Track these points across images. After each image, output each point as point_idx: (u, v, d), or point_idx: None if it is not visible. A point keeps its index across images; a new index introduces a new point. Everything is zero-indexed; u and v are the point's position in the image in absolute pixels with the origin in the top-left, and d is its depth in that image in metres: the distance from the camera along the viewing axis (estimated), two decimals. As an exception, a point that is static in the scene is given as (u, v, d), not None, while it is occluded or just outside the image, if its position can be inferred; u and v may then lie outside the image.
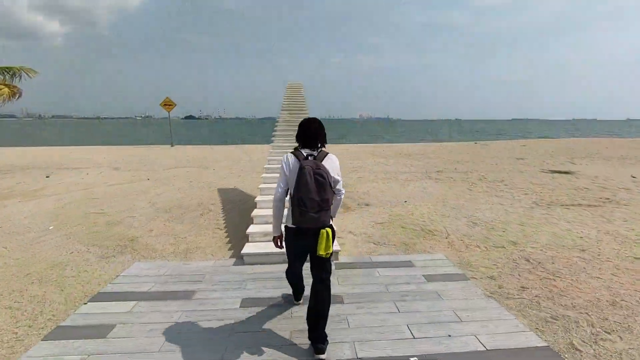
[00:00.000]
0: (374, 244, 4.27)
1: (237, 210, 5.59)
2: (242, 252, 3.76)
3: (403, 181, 8.49)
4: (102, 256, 3.96)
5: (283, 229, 2.58)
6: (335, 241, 3.67)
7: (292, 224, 2.44)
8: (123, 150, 16.78)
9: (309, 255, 2.52)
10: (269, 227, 4.04)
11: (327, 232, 2.36)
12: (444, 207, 5.84)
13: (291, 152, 2.49)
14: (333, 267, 3.11)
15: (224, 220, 5.13)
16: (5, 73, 9.41)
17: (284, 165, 2.45)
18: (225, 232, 4.67)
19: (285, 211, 2.52)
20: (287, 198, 2.50)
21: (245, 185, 7.63)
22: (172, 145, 18.78)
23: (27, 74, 9.86)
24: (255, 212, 4.51)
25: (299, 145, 2.55)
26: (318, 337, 2.44)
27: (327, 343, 2.45)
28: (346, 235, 4.53)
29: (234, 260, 3.82)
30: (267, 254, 3.71)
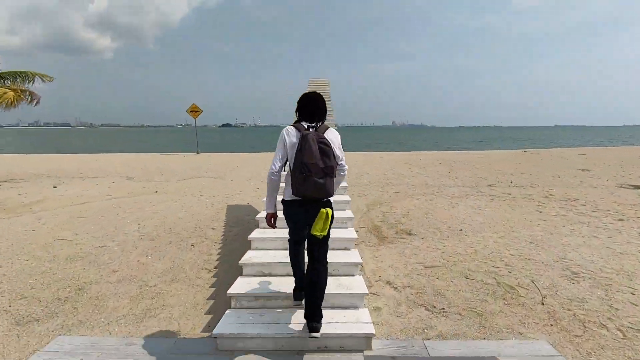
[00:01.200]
0: (427, 309, 2.80)
1: (240, 239, 4.37)
2: (214, 331, 2.35)
3: (450, 198, 6.96)
4: (20, 321, 2.71)
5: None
6: (367, 312, 2.59)
7: (293, 195, 2.30)
8: (147, 157, 16.28)
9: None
10: (268, 285, 2.82)
11: (327, 213, 2.25)
12: (516, 239, 4.30)
13: (291, 125, 2.39)
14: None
15: (218, 254, 3.91)
16: (18, 77, 8.91)
17: (284, 136, 2.33)
18: (214, 276, 3.42)
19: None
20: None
21: (260, 202, 6.44)
22: (197, 153, 18.15)
23: (42, 79, 9.34)
24: (248, 256, 3.12)
25: (298, 119, 2.44)
26: (313, 315, 2.32)
27: (321, 324, 2.32)
28: (382, 288, 3.14)
29: (205, 339, 2.46)
30: (259, 337, 2.32)
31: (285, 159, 2.34)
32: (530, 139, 52.94)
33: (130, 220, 5.12)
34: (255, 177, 9.85)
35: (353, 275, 2.94)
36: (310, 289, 2.37)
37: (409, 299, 2.93)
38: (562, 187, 8.16)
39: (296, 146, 2.23)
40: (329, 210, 2.27)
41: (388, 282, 3.20)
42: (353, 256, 3.13)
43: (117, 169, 11.81)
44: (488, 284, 3.11)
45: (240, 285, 2.80)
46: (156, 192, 7.58)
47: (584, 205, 6.37)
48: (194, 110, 18.02)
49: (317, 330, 2.28)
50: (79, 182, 9.17)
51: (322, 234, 2.24)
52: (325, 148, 2.22)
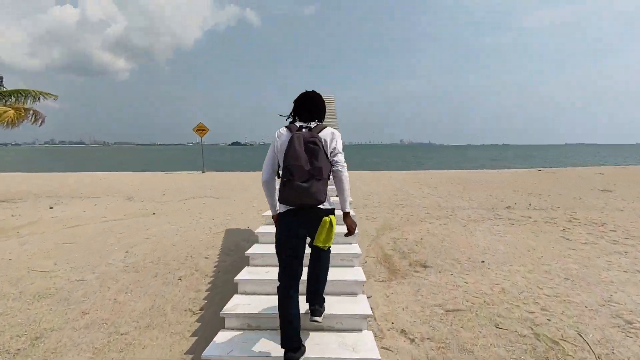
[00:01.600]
0: (451, 369, 2.24)
1: (234, 269, 3.89)
2: None
3: (466, 222, 6.44)
4: None
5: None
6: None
7: (279, 202, 2.07)
8: (152, 176, 16.06)
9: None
10: (254, 345, 2.26)
11: (329, 221, 2.03)
12: (547, 274, 3.76)
13: (284, 126, 2.18)
14: None
15: (207, 291, 3.43)
16: (20, 96, 8.77)
17: (275, 140, 2.14)
18: (198, 320, 2.92)
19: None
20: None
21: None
22: (203, 172, 17.90)
23: (45, 97, 9.19)
24: (233, 303, 2.58)
25: (293, 120, 2.26)
26: (315, 299, 2.23)
27: (324, 308, 2.25)
28: (396, 340, 2.59)
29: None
30: None
31: (276, 164, 2.15)
32: (543, 156, 52.03)
33: (118, 247, 4.70)
34: (259, 198, 9.44)
35: (361, 331, 2.39)
36: (315, 280, 2.25)
37: (429, 356, 2.40)
38: (585, 210, 7.58)
39: (285, 147, 2.03)
40: (332, 217, 2.06)
41: (403, 332, 2.68)
42: (361, 305, 2.57)
43: (119, 188, 11.53)
44: (524, 336, 2.57)
45: (220, 345, 2.23)
46: (154, 213, 7.20)
47: (614, 231, 5.80)
48: (201, 129, 17.89)
49: (319, 315, 2.15)
50: (77, 202, 8.87)
51: (328, 244, 2.06)
52: (312, 147, 1.99)
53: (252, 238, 5.16)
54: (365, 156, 57.25)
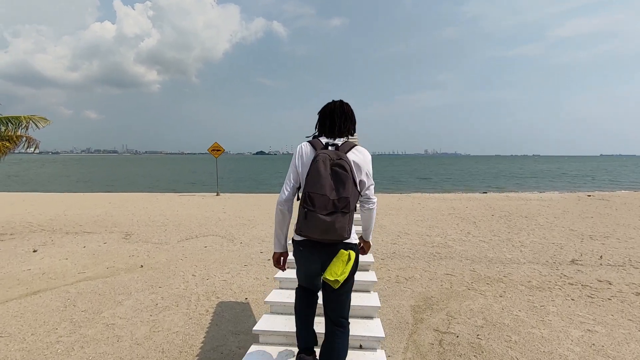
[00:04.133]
0: None
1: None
2: None
3: (529, 291, 4.98)
4: None
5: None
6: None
7: (296, 233, 1.86)
8: (161, 200, 15.17)
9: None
10: None
11: (349, 255, 1.80)
12: None
13: (307, 141, 1.94)
14: None
15: None
16: (9, 123, 7.97)
17: (296, 157, 1.90)
18: None
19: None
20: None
21: (262, 298, 4.71)
22: (217, 194, 16.92)
23: (36, 124, 8.38)
24: None
25: (317, 134, 1.99)
26: None
27: None
28: None
29: None
30: None
31: (297, 185, 1.89)
32: (580, 173, 48.51)
33: (64, 347, 3.49)
34: (271, 236, 8.20)
35: None
36: (326, 351, 1.92)
37: None
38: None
39: (308, 167, 1.79)
40: (352, 252, 1.82)
41: None
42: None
43: (122, 218, 10.60)
44: None
45: None
46: (142, 266, 6.07)
47: None
48: (216, 149, 16.99)
49: None
50: (69, 240, 7.91)
51: (340, 279, 1.75)
52: (340, 172, 1.72)
53: (243, 329, 3.87)
54: (389, 169, 55.27)
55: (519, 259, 6.65)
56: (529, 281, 5.44)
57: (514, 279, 5.55)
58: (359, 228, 2.12)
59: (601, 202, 14.35)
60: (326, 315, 1.96)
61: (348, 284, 1.87)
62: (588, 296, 4.88)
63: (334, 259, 1.79)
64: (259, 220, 10.37)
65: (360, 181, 1.85)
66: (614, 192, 19.45)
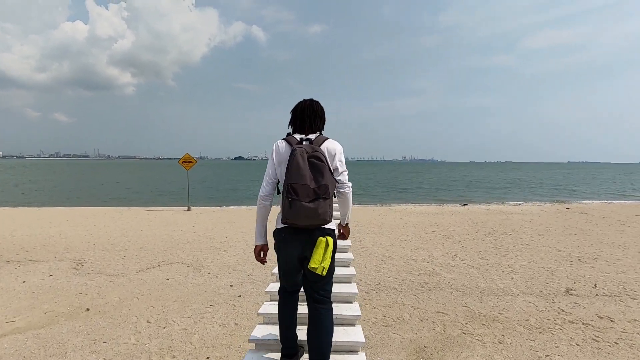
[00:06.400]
0: None
1: None
2: None
3: (529, 334, 4.46)
4: None
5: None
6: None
7: (281, 222, 2.01)
8: (126, 216, 14.03)
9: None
10: None
11: (326, 241, 1.94)
12: None
13: (282, 138, 2.11)
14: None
15: None
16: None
17: (273, 153, 2.05)
18: None
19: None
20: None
21: (231, 351, 3.96)
22: (188, 209, 15.89)
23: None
24: None
25: (292, 131, 2.17)
26: None
27: None
28: None
29: None
30: None
31: (275, 180, 2.09)
32: (552, 180, 50.00)
33: None
34: (244, 262, 7.44)
35: None
36: (313, 331, 2.02)
37: None
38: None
39: (286, 162, 1.96)
40: (329, 238, 1.96)
41: None
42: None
43: (77, 241, 9.52)
44: None
45: None
46: (87, 310, 5.17)
47: None
48: (187, 161, 16.01)
49: None
50: (8, 272, 6.86)
51: (323, 265, 1.89)
52: (317, 163, 1.90)
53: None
54: (368, 175, 55.09)
55: (511, 288, 6.17)
56: (527, 319, 4.93)
57: (510, 316, 5.03)
58: (337, 213, 2.22)
59: (580, 215, 14.34)
60: (310, 298, 2.07)
61: (330, 267, 1.99)
62: (593, 339, 4.40)
63: (314, 249, 1.90)
64: (231, 241, 9.54)
65: (335, 169, 2.03)
66: (590, 203, 19.73)
